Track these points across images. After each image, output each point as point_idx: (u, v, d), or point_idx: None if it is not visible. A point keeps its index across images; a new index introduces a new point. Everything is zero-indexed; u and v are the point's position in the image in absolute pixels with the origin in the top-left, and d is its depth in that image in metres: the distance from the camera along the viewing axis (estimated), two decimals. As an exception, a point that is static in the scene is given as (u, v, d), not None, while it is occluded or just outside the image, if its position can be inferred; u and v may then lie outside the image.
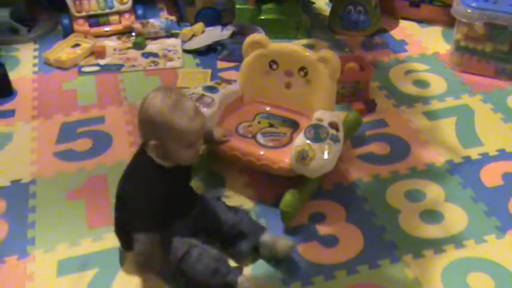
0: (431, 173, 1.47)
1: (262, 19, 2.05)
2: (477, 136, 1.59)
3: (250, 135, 1.41)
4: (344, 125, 1.40)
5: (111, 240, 1.26)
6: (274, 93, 1.50)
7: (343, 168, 1.48)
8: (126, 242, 1.15)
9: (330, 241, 1.28)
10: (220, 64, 1.94)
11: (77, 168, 1.50)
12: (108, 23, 2.10)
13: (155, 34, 2.08)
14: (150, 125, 1.07)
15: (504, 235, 1.28)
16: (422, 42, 2.06)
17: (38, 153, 1.56)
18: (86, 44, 2.02)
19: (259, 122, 1.47)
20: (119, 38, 2.10)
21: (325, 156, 1.27)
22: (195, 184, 1.37)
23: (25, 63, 1.97)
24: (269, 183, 1.39)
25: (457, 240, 1.27)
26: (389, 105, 1.73)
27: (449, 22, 1.97)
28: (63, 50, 2.00)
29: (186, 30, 2.06)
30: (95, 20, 2.08)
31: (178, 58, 1.97)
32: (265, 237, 1.20)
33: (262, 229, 1.22)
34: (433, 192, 1.41)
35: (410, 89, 1.81)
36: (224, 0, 2.11)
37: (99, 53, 1.97)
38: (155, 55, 1.99)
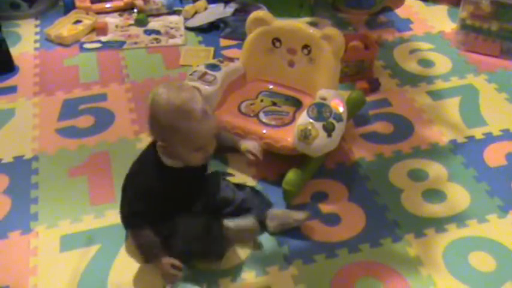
0: (434, 152, 1.46)
1: (265, -4, 2.02)
2: (481, 116, 1.58)
3: (252, 114, 1.41)
4: (347, 104, 1.39)
5: (113, 217, 1.27)
6: (277, 72, 1.49)
7: (346, 148, 1.47)
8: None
9: (332, 219, 1.28)
10: (223, 42, 1.92)
11: (79, 145, 1.50)
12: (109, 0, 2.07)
13: (157, 11, 2.05)
14: (156, 126, 1.03)
15: (506, 215, 1.28)
16: (427, 20, 2.03)
17: (40, 130, 1.56)
18: (88, 21, 2.00)
19: (262, 101, 1.46)
20: (120, 15, 2.08)
21: (328, 135, 1.26)
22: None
23: (26, 39, 1.95)
24: (272, 162, 1.39)
25: (459, 220, 1.27)
26: (393, 85, 1.72)
27: (455, 0, 1.94)
28: (64, 27, 1.97)
29: (189, 8, 2.03)
30: (96, -4, 2.06)
31: (181, 35, 1.95)
32: (275, 210, 1.22)
33: (270, 205, 1.24)
34: (436, 171, 1.40)
35: (414, 68, 1.79)
36: (227, -23, 2.08)
37: (100, 30, 1.95)
38: (157, 32, 1.97)
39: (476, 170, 1.40)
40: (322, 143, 1.26)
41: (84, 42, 1.92)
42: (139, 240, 1.11)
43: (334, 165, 1.43)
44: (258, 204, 1.22)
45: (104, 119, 1.59)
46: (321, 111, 1.28)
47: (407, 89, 1.70)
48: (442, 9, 2.08)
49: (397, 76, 1.75)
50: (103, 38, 1.94)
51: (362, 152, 1.47)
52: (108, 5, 2.07)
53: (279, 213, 1.22)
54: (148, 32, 1.98)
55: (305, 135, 1.25)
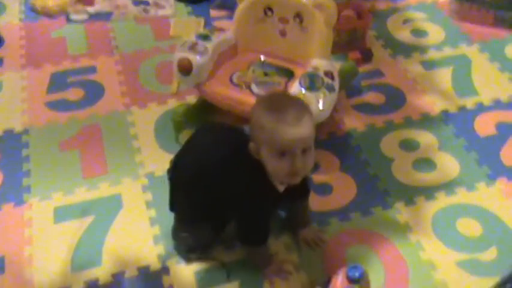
0: (425, 122, 1.47)
1: (256, -36, 1.97)
2: (473, 86, 1.59)
3: (244, 85, 1.40)
4: (340, 74, 1.38)
5: (105, 189, 1.27)
6: (268, 42, 1.47)
7: (338, 118, 1.48)
8: (172, 204, 1.14)
9: (324, 189, 1.29)
10: (214, 13, 1.89)
11: (69, 117, 1.49)
12: (96, -32, 2.02)
13: (145, -20, 2.00)
14: (251, 123, 0.99)
15: (494, 183, 1.30)
16: (421, -11, 2.00)
17: (29, 103, 1.54)
18: (74, -9, 1.95)
19: (253, 71, 1.45)
20: (108, -15, 2.02)
21: (320, 105, 1.26)
22: (188, 133, 1.36)
23: (11, 10, 1.91)
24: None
25: (448, 188, 1.29)
26: (385, 55, 1.71)
27: (450, -31, 1.91)
28: (50, -4, 1.92)
29: (178, -24, 1.99)
30: (82, -36, 2.00)
31: (170, 6, 1.91)
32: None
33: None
34: (427, 141, 1.41)
35: (407, 38, 1.77)
36: None
37: (87, 0, 1.91)
38: (146, 3, 1.93)
39: (466, 140, 1.41)
40: (314, 113, 1.25)
41: (70, 13, 1.88)
42: (257, 253, 1.13)
43: (326, 135, 1.43)
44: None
45: (94, 92, 1.57)
46: (313, 81, 1.27)
47: (400, 59, 1.69)
48: (436, -23, 2.05)
49: (389, 46, 1.74)
50: (90, 9, 1.90)
51: (354, 123, 1.47)
52: (95, -26, 2.02)
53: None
54: (137, 3, 1.93)
55: (297, 106, 1.24)
